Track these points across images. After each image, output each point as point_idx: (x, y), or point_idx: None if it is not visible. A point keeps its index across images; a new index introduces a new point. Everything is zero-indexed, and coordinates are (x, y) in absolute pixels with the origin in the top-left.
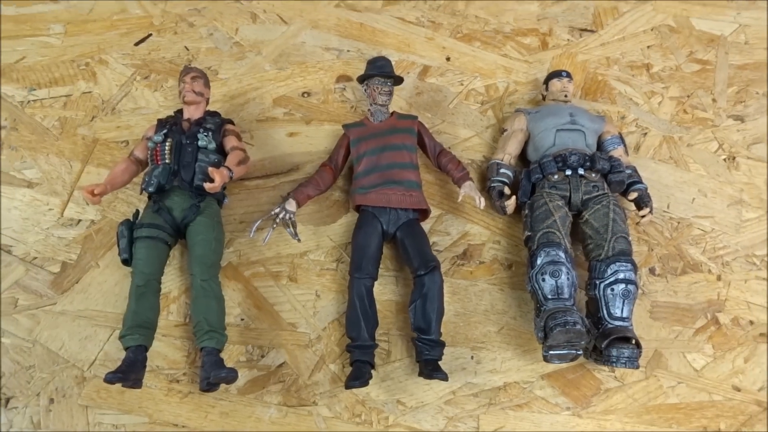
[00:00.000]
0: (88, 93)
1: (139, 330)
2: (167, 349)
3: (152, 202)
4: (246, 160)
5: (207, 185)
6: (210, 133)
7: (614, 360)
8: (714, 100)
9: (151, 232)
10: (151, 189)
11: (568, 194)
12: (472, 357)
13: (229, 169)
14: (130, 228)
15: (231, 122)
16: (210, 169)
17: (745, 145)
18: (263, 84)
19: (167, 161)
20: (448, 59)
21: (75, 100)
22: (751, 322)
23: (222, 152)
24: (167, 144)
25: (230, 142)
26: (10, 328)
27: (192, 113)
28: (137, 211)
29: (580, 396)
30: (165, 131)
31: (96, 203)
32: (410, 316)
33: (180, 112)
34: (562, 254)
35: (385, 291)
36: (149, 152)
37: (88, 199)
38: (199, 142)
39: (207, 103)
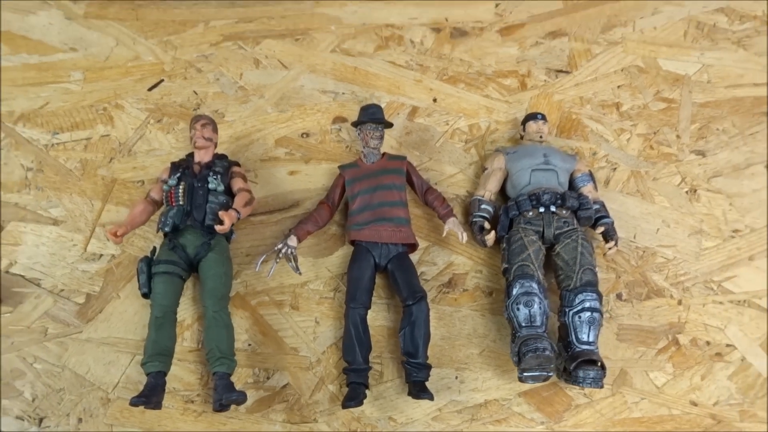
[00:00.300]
0: (107, 136)
1: (158, 357)
2: (183, 373)
3: (168, 240)
4: (252, 201)
5: (218, 227)
6: (219, 176)
7: (581, 380)
8: (678, 137)
9: (167, 268)
10: (167, 229)
11: (541, 229)
12: (456, 377)
13: (237, 211)
14: (148, 264)
15: (237, 164)
16: (220, 213)
17: (706, 178)
18: (266, 126)
19: (181, 203)
20: (435, 100)
21: (94, 143)
22: (708, 343)
23: (230, 192)
24: (181, 187)
25: (237, 183)
26: (41, 354)
27: (202, 157)
28: (154, 248)
29: (553, 412)
30: (178, 175)
31: (119, 243)
32: (400, 342)
33: (191, 155)
34: (535, 285)
35: (378, 317)
36: (164, 194)
37: (112, 240)
38: (209, 185)
39: (215, 146)
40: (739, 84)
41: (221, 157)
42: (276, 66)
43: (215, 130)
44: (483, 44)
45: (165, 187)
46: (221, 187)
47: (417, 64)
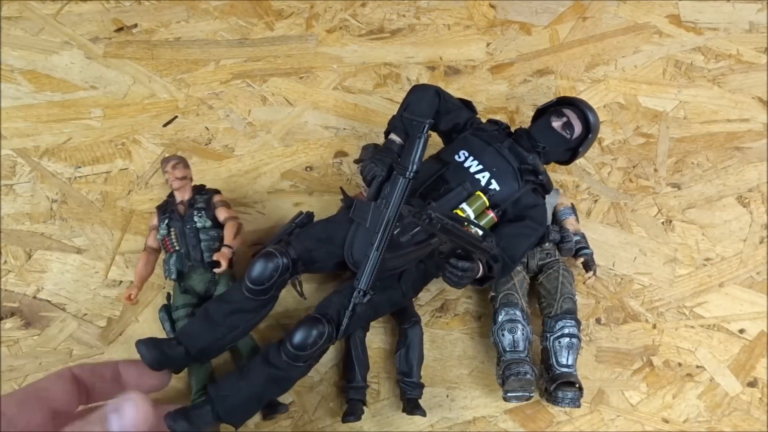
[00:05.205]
0: (125, 170)
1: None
2: None
3: (178, 285)
4: (240, 229)
5: (216, 270)
6: (203, 212)
7: (560, 400)
8: (655, 170)
9: (186, 311)
10: (173, 277)
11: (526, 260)
12: (447, 395)
13: (229, 246)
14: (168, 312)
15: (218, 192)
16: (215, 256)
17: (681, 209)
18: (272, 159)
19: (177, 248)
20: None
21: (114, 176)
22: (680, 364)
23: (218, 223)
24: (173, 233)
25: (221, 213)
26: None
27: (183, 195)
28: (169, 294)
29: (536, 428)
30: (166, 221)
31: (135, 303)
32: (395, 362)
33: (171, 195)
34: (518, 313)
35: (375, 340)
36: (160, 242)
37: (128, 303)
38: (197, 225)
39: (191, 181)
40: (713, 120)
41: (200, 190)
42: (282, 103)
43: (186, 166)
44: (475, 82)
45: (158, 236)
46: (208, 223)
47: None
